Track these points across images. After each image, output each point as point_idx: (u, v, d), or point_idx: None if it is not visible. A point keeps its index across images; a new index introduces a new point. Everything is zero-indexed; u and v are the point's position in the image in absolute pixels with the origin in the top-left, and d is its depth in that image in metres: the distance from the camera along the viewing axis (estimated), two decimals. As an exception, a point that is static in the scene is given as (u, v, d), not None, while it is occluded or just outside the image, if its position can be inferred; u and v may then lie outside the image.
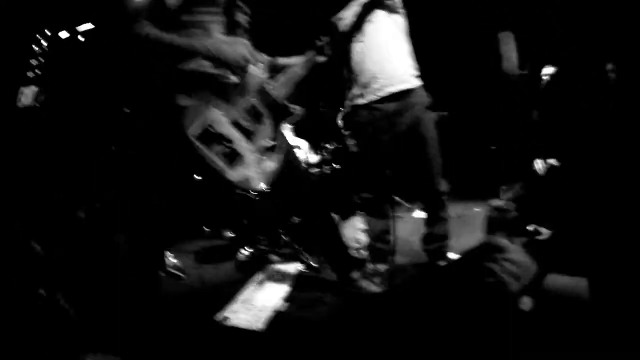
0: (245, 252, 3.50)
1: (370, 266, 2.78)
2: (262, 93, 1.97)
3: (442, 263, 2.65)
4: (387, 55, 2.48)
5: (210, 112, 1.74)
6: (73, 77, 3.95)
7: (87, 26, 3.88)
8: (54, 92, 3.62)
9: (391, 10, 2.54)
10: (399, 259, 2.91)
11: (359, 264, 2.81)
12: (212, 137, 1.70)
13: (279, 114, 1.99)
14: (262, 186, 1.87)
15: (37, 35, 3.73)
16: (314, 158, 4.34)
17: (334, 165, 4.12)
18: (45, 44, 3.74)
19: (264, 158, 1.86)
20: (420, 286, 2.53)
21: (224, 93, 1.82)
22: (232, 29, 1.98)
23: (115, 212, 3.26)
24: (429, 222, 2.69)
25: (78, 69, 3.99)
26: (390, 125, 2.51)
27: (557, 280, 1.67)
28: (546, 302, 1.45)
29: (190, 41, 1.74)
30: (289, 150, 2.14)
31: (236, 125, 1.81)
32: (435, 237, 2.67)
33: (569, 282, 1.62)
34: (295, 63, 2.29)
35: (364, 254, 3.10)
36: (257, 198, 3.24)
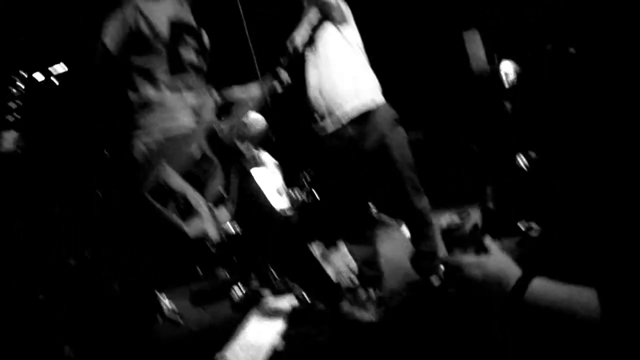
0: (239, 290, 3.48)
1: (362, 293, 2.69)
2: (211, 137, 1.89)
3: (434, 281, 2.56)
4: (341, 78, 2.37)
5: (161, 167, 1.68)
6: (50, 121, 3.97)
7: (61, 67, 3.98)
8: (33, 136, 3.63)
9: (339, 23, 2.44)
10: (390, 282, 2.81)
11: (350, 291, 2.74)
12: (164, 192, 1.67)
13: (230, 156, 1.91)
14: (217, 237, 1.78)
15: (13, 77, 3.81)
16: (289, 188, 4.29)
17: (314, 193, 4.06)
18: (21, 85, 3.82)
19: (218, 207, 1.77)
20: (413, 309, 2.51)
21: (173, 144, 1.76)
22: (179, 68, 1.92)
23: (105, 259, 3.22)
24: (414, 240, 2.61)
25: (54, 112, 4.01)
26: (356, 149, 2.41)
27: (544, 288, 1.41)
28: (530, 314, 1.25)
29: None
30: (254, 189, 2.08)
31: (187, 176, 1.74)
32: (422, 254, 2.57)
33: (559, 290, 1.38)
34: (246, 96, 2.19)
35: (355, 280, 3.04)
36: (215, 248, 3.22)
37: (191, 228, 1.69)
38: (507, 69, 3.87)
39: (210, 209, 1.77)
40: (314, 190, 4.09)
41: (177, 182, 1.70)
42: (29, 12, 3.82)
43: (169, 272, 3.80)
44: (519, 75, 3.80)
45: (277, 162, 4.38)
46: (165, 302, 3.32)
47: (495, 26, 4.91)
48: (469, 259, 1.00)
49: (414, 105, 5.23)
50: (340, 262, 3.29)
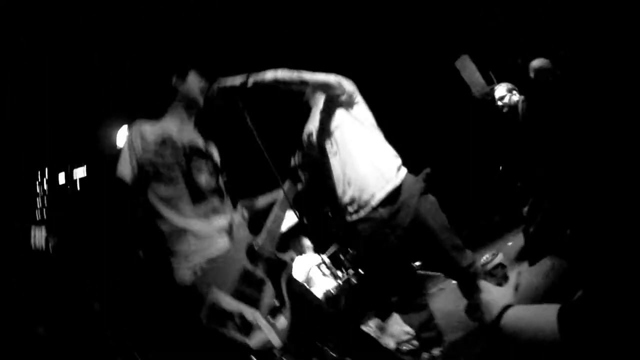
0: None
1: (425, 355, 2.59)
2: (251, 254, 1.89)
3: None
4: (363, 163, 2.35)
5: (210, 292, 1.70)
6: (75, 221, 4.14)
7: (82, 171, 4.23)
8: (61, 236, 3.79)
9: (349, 105, 2.44)
10: (450, 336, 2.71)
11: (413, 356, 2.67)
12: (220, 315, 1.69)
13: (275, 268, 1.90)
14: (281, 343, 1.75)
15: (38, 176, 4.08)
16: (334, 270, 4.28)
17: (359, 271, 4.03)
18: (45, 185, 4.08)
19: (275, 317, 1.78)
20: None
21: (215, 267, 1.78)
22: (199, 196, 1.94)
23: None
24: (464, 293, 2.51)
25: (78, 212, 4.19)
26: (391, 228, 2.35)
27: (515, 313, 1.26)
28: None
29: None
30: (302, 290, 2.08)
31: (238, 294, 1.74)
32: (476, 305, 2.47)
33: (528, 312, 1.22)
34: (272, 201, 2.14)
35: (416, 344, 2.93)
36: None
37: (254, 341, 1.69)
38: (502, 93, 3.80)
39: (268, 320, 1.75)
40: (357, 267, 4.06)
41: (230, 302, 1.71)
42: (51, 118, 4.06)
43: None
44: (515, 94, 3.75)
45: (313, 245, 4.42)
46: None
47: (484, 45, 4.95)
48: (485, 286, 1.28)
49: (428, 147, 5.30)
50: (398, 330, 3.17)
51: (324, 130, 2.47)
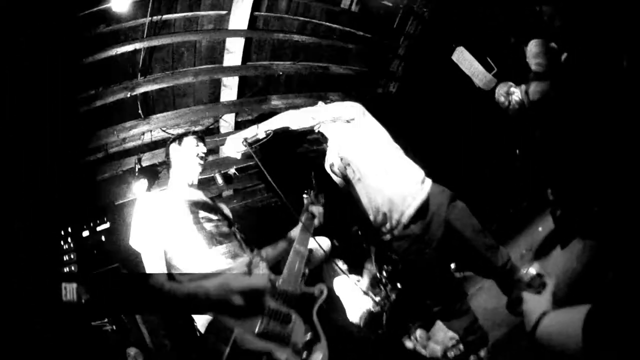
0: None
1: (472, 358, 2.56)
2: (272, 291, 1.83)
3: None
4: (386, 184, 2.37)
5: (235, 334, 1.66)
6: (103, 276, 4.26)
7: (105, 226, 4.37)
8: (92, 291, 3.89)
9: (360, 128, 2.46)
10: (494, 333, 2.67)
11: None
12: (244, 356, 1.63)
13: (303, 303, 1.90)
14: None
15: (62, 232, 4.21)
16: (372, 288, 4.28)
17: (397, 285, 4.03)
18: (70, 240, 4.21)
19: (312, 352, 1.72)
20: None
21: (241, 311, 1.75)
22: (213, 242, 1.99)
23: None
24: (504, 290, 2.47)
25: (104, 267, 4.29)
26: (426, 242, 2.39)
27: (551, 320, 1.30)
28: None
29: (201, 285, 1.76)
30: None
31: (263, 334, 1.70)
32: (517, 300, 2.43)
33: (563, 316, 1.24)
34: (291, 240, 2.12)
35: (462, 348, 2.89)
36: None
37: None
38: (500, 99, 3.71)
39: (301, 357, 1.70)
40: (394, 282, 4.08)
41: (255, 342, 1.67)
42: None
43: None
44: (513, 91, 3.66)
45: (347, 266, 4.44)
46: None
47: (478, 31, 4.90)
48: (525, 296, 1.45)
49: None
50: (443, 337, 3.14)
51: (343, 159, 2.52)
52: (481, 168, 4.97)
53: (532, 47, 3.22)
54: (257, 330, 1.69)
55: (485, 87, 4.74)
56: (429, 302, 2.69)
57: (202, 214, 1.99)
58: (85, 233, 4.42)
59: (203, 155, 2.22)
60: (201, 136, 2.29)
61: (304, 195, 2.28)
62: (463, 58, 4.94)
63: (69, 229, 4.35)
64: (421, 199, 2.36)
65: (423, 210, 2.36)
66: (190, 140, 2.23)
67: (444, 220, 2.34)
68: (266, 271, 1.98)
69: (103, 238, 4.40)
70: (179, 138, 2.28)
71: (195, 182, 2.20)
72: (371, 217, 2.48)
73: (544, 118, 3.25)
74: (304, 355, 1.71)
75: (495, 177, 4.79)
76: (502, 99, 3.69)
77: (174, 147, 2.25)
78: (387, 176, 2.39)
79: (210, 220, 2.01)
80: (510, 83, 3.66)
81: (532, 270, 1.62)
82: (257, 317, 1.73)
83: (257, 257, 2.05)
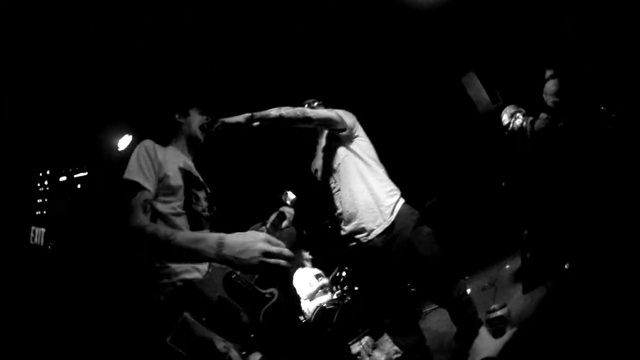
0: None
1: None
2: (227, 283, 1.79)
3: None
4: (361, 201, 2.47)
5: (182, 315, 1.62)
6: (74, 222, 4.17)
7: (83, 174, 4.32)
8: (60, 237, 3.81)
9: (349, 140, 2.56)
10: (440, 357, 2.69)
11: None
12: (186, 338, 1.59)
13: (254, 301, 1.82)
14: None
15: (40, 175, 4.13)
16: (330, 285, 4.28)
17: (355, 289, 4.07)
18: (47, 184, 4.14)
19: (251, 351, 1.71)
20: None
21: (193, 292, 1.73)
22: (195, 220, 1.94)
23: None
24: (454, 320, 2.47)
25: (77, 214, 4.23)
26: (387, 255, 2.43)
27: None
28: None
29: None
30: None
31: (209, 322, 1.66)
32: (462, 331, 2.44)
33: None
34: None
35: (405, 361, 2.92)
36: None
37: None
38: (506, 120, 3.77)
39: (240, 353, 1.66)
40: (352, 285, 4.10)
41: (199, 328, 1.63)
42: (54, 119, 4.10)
43: None
44: (519, 116, 3.72)
45: (312, 258, 4.45)
46: None
47: (490, 61, 4.91)
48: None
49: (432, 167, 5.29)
50: (389, 349, 3.16)
51: (327, 167, 2.61)
52: (465, 195, 5.01)
53: (551, 85, 3.29)
54: (203, 317, 1.66)
55: (485, 116, 4.78)
56: (381, 312, 2.72)
57: (192, 189, 1.95)
58: (63, 178, 4.32)
59: (208, 127, 2.18)
60: (207, 109, 2.24)
61: (282, 196, 2.36)
62: (472, 83, 4.97)
63: (47, 172, 4.24)
64: (390, 222, 2.43)
65: (389, 229, 2.43)
66: (195, 112, 2.20)
67: (407, 241, 2.38)
68: None
69: (79, 186, 4.32)
70: (184, 108, 2.23)
71: (193, 155, 2.17)
72: (341, 225, 2.58)
73: (541, 157, 3.29)
74: (243, 353, 1.68)
75: (475, 206, 4.84)
76: (505, 117, 3.79)
77: (178, 117, 2.19)
78: (364, 195, 2.47)
79: (197, 198, 1.97)
80: (522, 109, 3.73)
81: (499, 312, 1.65)
82: (208, 304, 1.72)
83: None
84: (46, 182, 4.22)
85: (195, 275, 1.76)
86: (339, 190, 2.55)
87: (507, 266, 3.69)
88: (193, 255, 1.49)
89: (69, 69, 3.76)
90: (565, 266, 2.77)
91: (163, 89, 4.22)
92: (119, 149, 4.37)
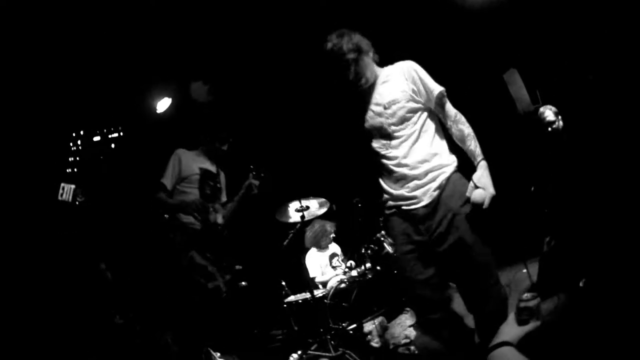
0: (296, 355, 3.58)
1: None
2: (215, 230, 3.30)
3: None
4: (427, 153, 2.15)
5: (191, 252, 3.11)
6: (105, 182, 4.40)
7: (116, 135, 4.53)
8: (90, 195, 4.10)
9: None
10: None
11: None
12: (194, 265, 3.07)
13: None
14: (225, 289, 3.16)
15: (73, 134, 4.36)
16: (354, 263, 4.34)
17: (377, 268, 4.08)
18: (79, 143, 4.37)
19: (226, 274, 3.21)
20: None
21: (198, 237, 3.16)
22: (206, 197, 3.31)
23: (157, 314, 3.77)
24: (470, 308, 2.25)
25: (109, 173, 4.50)
26: (425, 229, 2.14)
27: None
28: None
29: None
30: None
31: (204, 256, 3.15)
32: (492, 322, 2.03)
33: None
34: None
35: (413, 350, 3.02)
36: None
37: (210, 284, 2.98)
38: (551, 117, 3.72)
39: (220, 274, 3.09)
40: (375, 264, 4.12)
41: (200, 259, 3.03)
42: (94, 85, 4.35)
43: (224, 332, 4.07)
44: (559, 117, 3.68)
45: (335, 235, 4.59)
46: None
47: (534, 61, 4.82)
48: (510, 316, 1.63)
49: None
50: (399, 332, 3.27)
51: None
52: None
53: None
54: (202, 253, 3.11)
55: (523, 115, 4.72)
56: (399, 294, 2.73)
57: (206, 180, 3.32)
58: (97, 138, 4.48)
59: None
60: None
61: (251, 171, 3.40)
62: (513, 80, 4.89)
63: (81, 132, 4.41)
64: (450, 171, 2.16)
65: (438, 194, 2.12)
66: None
67: (451, 214, 2.08)
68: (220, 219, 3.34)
69: (113, 146, 4.48)
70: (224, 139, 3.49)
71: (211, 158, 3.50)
72: (388, 181, 2.23)
73: (572, 166, 3.27)
74: (222, 273, 3.14)
75: (502, 206, 4.82)
76: (548, 113, 3.74)
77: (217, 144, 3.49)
78: (428, 151, 2.16)
79: (208, 185, 3.34)
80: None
81: (530, 303, 1.70)
82: (205, 245, 3.17)
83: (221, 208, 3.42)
84: (79, 142, 4.37)
85: (196, 226, 3.12)
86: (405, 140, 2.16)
87: (524, 270, 3.72)
88: (177, 210, 3.11)
89: (112, 31, 3.87)
90: (581, 283, 2.78)
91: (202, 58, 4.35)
92: (158, 112, 4.50)
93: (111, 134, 4.54)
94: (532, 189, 4.39)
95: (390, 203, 2.23)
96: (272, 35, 4.44)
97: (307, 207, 3.92)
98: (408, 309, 3.62)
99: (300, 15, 4.24)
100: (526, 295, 2.38)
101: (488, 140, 5.17)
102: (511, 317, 1.72)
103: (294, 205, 3.95)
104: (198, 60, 4.60)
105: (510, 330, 1.56)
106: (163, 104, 4.52)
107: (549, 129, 3.70)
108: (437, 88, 2.20)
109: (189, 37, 4.31)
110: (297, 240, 4.15)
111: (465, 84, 5.19)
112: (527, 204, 4.21)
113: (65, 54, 3.97)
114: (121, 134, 4.55)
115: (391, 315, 3.57)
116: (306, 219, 3.97)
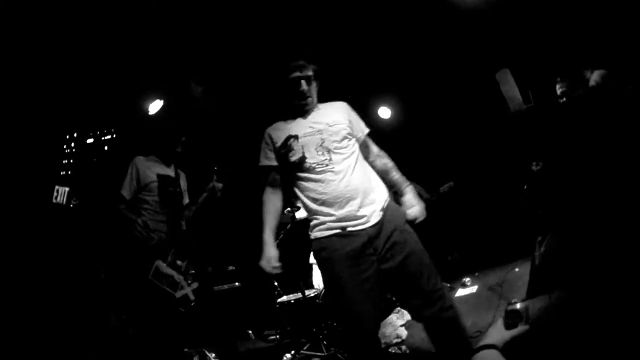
0: (289, 355, 3.58)
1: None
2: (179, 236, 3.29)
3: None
4: (362, 182, 2.13)
5: (157, 261, 3.02)
6: (98, 184, 4.39)
7: (110, 137, 4.53)
8: (84, 197, 4.17)
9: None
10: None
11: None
12: (161, 275, 3.00)
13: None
14: (193, 297, 3.10)
15: (67, 137, 4.36)
16: None
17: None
18: (73, 145, 4.36)
19: (190, 282, 3.13)
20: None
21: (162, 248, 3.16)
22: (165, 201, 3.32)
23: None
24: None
25: (102, 175, 4.45)
26: (374, 248, 2.06)
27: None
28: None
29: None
30: None
31: (171, 265, 3.09)
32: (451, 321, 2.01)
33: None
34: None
35: (405, 348, 3.02)
36: None
37: (178, 294, 3.01)
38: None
39: (187, 283, 3.08)
40: None
41: (166, 268, 3.02)
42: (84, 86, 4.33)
43: (218, 331, 4.09)
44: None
45: None
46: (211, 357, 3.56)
47: (526, 61, 4.84)
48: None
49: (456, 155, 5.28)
50: (390, 331, 3.27)
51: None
52: (485, 193, 5.01)
53: (596, 76, 3.33)
54: (168, 261, 3.09)
55: (515, 114, 4.73)
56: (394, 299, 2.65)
57: (165, 183, 3.31)
58: (90, 140, 4.47)
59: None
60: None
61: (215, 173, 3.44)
62: (505, 80, 4.89)
63: (75, 134, 4.40)
64: (387, 197, 2.18)
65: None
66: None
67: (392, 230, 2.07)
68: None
69: (106, 148, 4.47)
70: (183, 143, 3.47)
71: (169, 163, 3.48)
72: (327, 202, 2.11)
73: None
74: (188, 282, 3.11)
75: (494, 204, 4.84)
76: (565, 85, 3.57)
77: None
78: (366, 176, 2.18)
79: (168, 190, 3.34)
80: None
81: (517, 306, 1.73)
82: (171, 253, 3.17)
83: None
84: (72, 144, 4.36)
85: (164, 236, 3.20)
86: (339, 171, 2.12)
87: (517, 269, 3.72)
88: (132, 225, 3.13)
89: (104, 32, 3.85)
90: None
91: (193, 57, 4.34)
92: (150, 113, 4.50)
93: (104, 136, 4.55)
94: (525, 187, 4.41)
95: (331, 225, 2.10)
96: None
97: (299, 208, 3.92)
98: (398, 308, 3.64)
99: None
100: (514, 299, 2.42)
101: (480, 140, 5.27)
102: (500, 321, 1.74)
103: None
104: (191, 61, 4.59)
105: (498, 333, 1.58)
106: (155, 106, 4.53)
107: (565, 93, 3.57)
108: (366, 128, 2.35)
109: (182, 39, 4.30)
110: (288, 240, 4.15)
111: (458, 84, 5.24)
112: (520, 204, 4.22)
113: (59, 56, 3.95)
114: (114, 136, 4.57)
115: (382, 316, 3.56)
116: (297, 219, 3.99)
